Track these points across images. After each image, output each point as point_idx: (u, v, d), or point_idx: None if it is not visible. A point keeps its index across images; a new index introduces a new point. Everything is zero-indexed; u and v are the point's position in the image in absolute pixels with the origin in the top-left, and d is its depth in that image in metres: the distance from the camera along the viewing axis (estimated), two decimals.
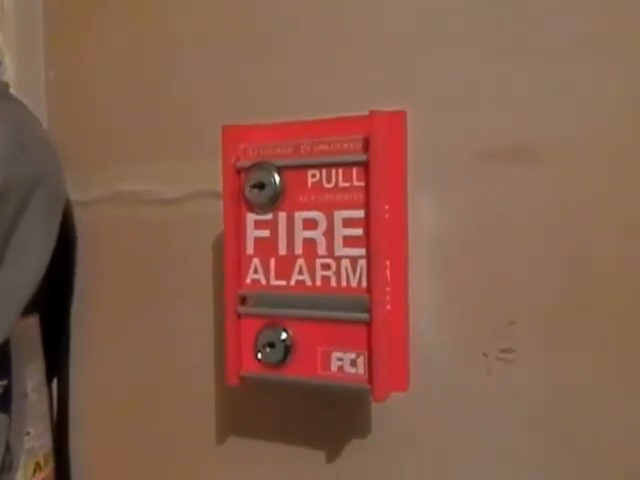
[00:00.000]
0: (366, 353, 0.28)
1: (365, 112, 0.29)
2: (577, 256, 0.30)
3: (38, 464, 0.39)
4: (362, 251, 0.29)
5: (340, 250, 0.29)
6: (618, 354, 0.29)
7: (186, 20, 0.39)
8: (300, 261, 0.30)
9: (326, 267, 0.29)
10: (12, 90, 0.40)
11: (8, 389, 0.35)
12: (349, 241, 0.29)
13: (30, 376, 0.39)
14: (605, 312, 0.29)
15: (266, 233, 0.30)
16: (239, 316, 0.31)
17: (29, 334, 0.40)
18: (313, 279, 0.30)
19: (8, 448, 0.36)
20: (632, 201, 0.29)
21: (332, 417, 0.35)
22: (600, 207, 0.29)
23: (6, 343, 0.35)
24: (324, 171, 0.29)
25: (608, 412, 0.29)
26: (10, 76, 0.43)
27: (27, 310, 0.36)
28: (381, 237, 0.28)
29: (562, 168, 0.30)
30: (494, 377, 0.31)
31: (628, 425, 0.29)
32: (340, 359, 0.29)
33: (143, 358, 0.40)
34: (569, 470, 0.30)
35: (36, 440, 0.39)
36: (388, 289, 0.29)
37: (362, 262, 0.29)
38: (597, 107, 0.29)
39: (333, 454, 0.35)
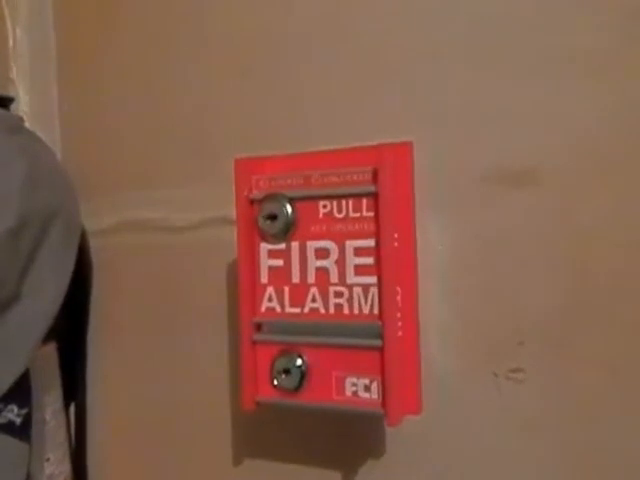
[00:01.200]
0: (379, 378, 0.29)
1: (374, 141, 0.30)
2: (581, 276, 0.30)
3: None
4: (373, 279, 0.29)
5: (352, 278, 0.30)
6: (626, 371, 0.30)
7: (198, 53, 0.40)
8: (313, 289, 0.31)
9: (339, 295, 0.30)
10: (26, 123, 0.41)
11: (28, 417, 0.36)
12: (360, 269, 0.30)
13: (49, 403, 0.40)
14: (610, 329, 0.30)
15: (280, 262, 0.31)
16: (254, 343, 0.32)
17: (47, 361, 0.40)
18: (326, 306, 0.30)
19: (29, 475, 0.37)
20: (631, 220, 0.30)
21: (347, 439, 0.35)
22: (601, 227, 0.30)
23: (26, 372, 0.36)
24: (335, 202, 0.30)
25: (617, 429, 0.30)
26: (24, 109, 0.45)
27: (45, 338, 0.37)
28: (391, 265, 0.29)
29: (564, 190, 0.31)
30: (505, 397, 0.32)
31: (638, 439, 0.29)
32: (354, 384, 0.30)
33: (159, 384, 0.41)
34: None
35: (56, 466, 0.40)
36: (399, 315, 0.29)
37: (374, 289, 0.29)
38: (597, 131, 0.30)
39: (348, 477, 0.35)
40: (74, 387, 0.43)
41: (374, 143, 0.30)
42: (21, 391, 0.36)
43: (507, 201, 0.32)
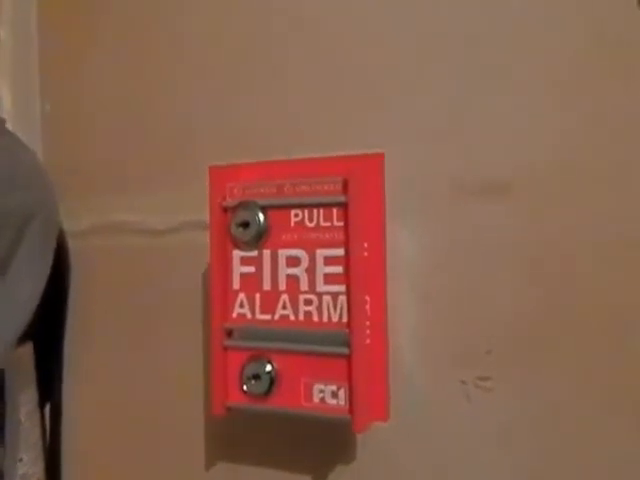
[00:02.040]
0: (347, 385, 0.30)
1: (346, 151, 0.30)
2: (548, 285, 0.31)
3: None
4: (342, 287, 0.30)
5: (321, 286, 0.30)
6: (592, 379, 0.30)
7: (178, 60, 0.40)
8: (284, 296, 0.31)
9: (308, 302, 0.31)
10: (8, 124, 0.41)
11: (2, 417, 0.36)
12: (330, 278, 0.30)
13: (23, 403, 0.40)
14: (577, 338, 0.31)
15: (252, 269, 0.32)
16: (225, 349, 0.32)
17: (23, 362, 0.40)
18: (296, 314, 0.31)
19: (1, 475, 0.37)
20: (598, 229, 0.30)
21: (317, 445, 0.36)
22: (568, 236, 0.31)
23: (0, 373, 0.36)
24: (306, 211, 0.31)
25: (584, 436, 0.30)
26: (6, 109, 0.45)
27: (21, 339, 0.37)
28: (360, 274, 0.29)
29: (532, 200, 0.31)
30: (474, 404, 0.33)
31: (606, 445, 0.30)
32: (322, 391, 0.30)
33: (134, 385, 0.41)
34: None
35: (29, 466, 0.40)
36: (368, 323, 0.30)
37: (342, 298, 0.30)
38: (564, 142, 0.31)
39: (318, 479, 0.36)
40: (50, 387, 0.43)
41: (346, 154, 0.31)
42: None
43: (476, 211, 0.32)
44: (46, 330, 0.43)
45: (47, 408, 0.43)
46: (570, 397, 0.31)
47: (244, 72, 0.38)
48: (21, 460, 0.39)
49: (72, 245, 0.43)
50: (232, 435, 0.38)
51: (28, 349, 0.41)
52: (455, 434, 0.33)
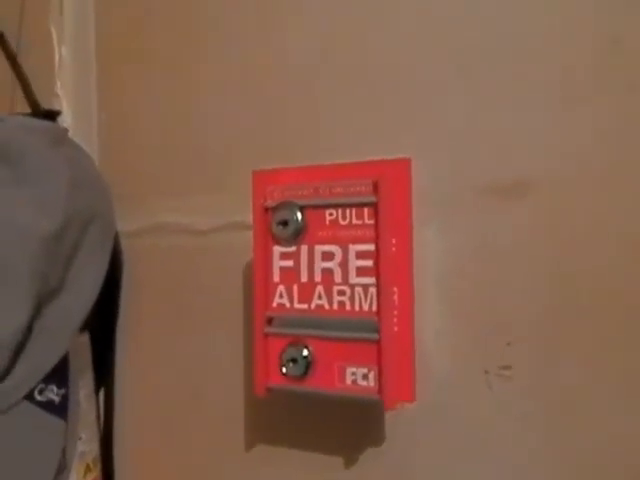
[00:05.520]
0: (376, 368, 0.32)
1: (377, 156, 0.33)
2: (568, 280, 0.33)
3: (88, 466, 0.43)
4: (372, 280, 0.33)
5: (354, 279, 0.33)
6: (608, 370, 0.32)
7: (223, 71, 0.43)
8: (319, 288, 0.34)
9: (342, 293, 0.33)
10: (70, 133, 0.45)
11: (65, 397, 0.39)
12: (361, 271, 0.33)
13: (82, 386, 0.43)
14: (593, 330, 0.32)
15: (290, 263, 0.35)
16: (266, 335, 0.35)
17: (82, 350, 0.44)
18: (330, 303, 0.34)
19: (63, 451, 0.40)
20: (617, 227, 0.32)
21: (350, 426, 0.38)
22: (589, 234, 0.32)
23: (64, 357, 0.39)
24: (340, 210, 0.33)
25: (601, 424, 0.32)
26: (67, 121, 0.49)
27: (80, 329, 0.41)
28: (389, 267, 0.32)
29: (553, 200, 0.33)
30: (495, 392, 0.34)
31: (624, 435, 0.31)
32: (354, 373, 0.33)
33: (181, 374, 0.44)
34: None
35: (87, 444, 0.43)
36: (395, 312, 0.33)
37: (372, 289, 0.33)
38: (587, 146, 0.32)
39: (350, 460, 0.38)
40: (103, 375, 0.46)
41: (377, 159, 0.34)
42: (60, 373, 0.39)
43: (499, 211, 0.34)
44: (101, 323, 0.46)
45: (101, 393, 0.47)
46: (587, 386, 0.32)
47: (283, 87, 0.41)
48: (80, 438, 0.43)
49: (126, 245, 0.46)
50: (271, 417, 0.40)
51: (86, 339, 0.44)
52: (478, 419, 0.35)
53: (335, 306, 0.33)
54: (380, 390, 0.32)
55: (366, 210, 0.33)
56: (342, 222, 0.33)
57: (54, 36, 0.49)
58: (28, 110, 0.47)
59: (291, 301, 0.35)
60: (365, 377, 0.33)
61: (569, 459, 0.33)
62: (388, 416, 0.37)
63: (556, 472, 0.33)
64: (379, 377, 0.32)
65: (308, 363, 0.34)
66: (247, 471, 0.42)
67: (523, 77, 0.34)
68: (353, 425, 0.38)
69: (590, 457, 0.32)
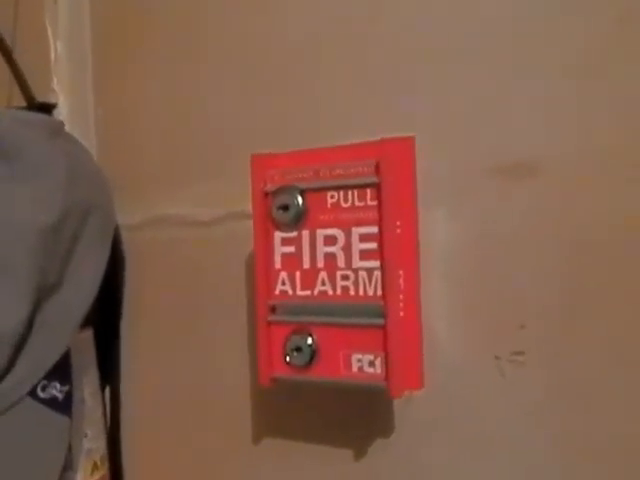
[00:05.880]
0: (383, 354, 0.31)
1: (380, 137, 0.32)
2: (581, 262, 0.32)
3: (95, 464, 0.43)
4: (377, 263, 0.32)
5: (357, 263, 0.32)
6: (625, 354, 0.31)
7: (217, 61, 0.43)
8: (322, 273, 0.33)
9: (345, 278, 0.33)
10: (66, 127, 0.45)
11: (69, 394, 0.39)
12: (365, 254, 0.32)
13: (87, 383, 0.43)
14: (609, 313, 0.31)
15: (292, 249, 0.34)
16: (269, 324, 0.34)
17: (85, 346, 0.43)
18: (334, 289, 0.33)
19: (69, 449, 0.40)
20: (630, 209, 0.31)
21: (358, 416, 0.37)
22: (600, 214, 0.31)
23: (66, 353, 0.39)
24: (341, 192, 0.32)
25: (617, 412, 0.31)
26: (64, 115, 0.48)
27: (82, 324, 0.40)
28: (393, 250, 0.31)
29: (563, 180, 0.32)
30: (507, 379, 0.33)
31: (638, 424, 0.30)
32: (360, 360, 0.32)
33: (184, 365, 0.44)
34: (580, 469, 0.32)
35: (93, 442, 0.43)
36: (401, 296, 0.32)
37: (377, 273, 0.32)
38: (597, 125, 0.31)
39: (359, 450, 0.37)
40: (108, 371, 0.46)
41: (378, 138, 0.33)
42: (63, 370, 0.38)
43: (507, 191, 0.33)
44: (104, 318, 0.46)
45: (106, 390, 0.47)
46: (602, 371, 0.31)
47: (279, 68, 0.40)
48: (86, 436, 0.42)
49: (126, 238, 0.46)
50: (276, 407, 0.40)
51: (89, 334, 0.44)
52: (489, 407, 0.34)
53: (339, 292, 0.33)
54: (387, 377, 0.31)
55: (369, 191, 0.32)
56: (344, 204, 0.33)
57: (49, 31, 0.49)
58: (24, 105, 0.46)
59: (294, 288, 0.34)
60: (372, 364, 0.32)
61: (585, 454, 0.32)
62: (397, 406, 0.36)
63: (571, 468, 0.32)
64: (386, 363, 0.31)
65: (313, 351, 0.33)
66: (254, 463, 0.41)
67: (531, 55, 0.33)
68: (361, 415, 0.37)
69: (610, 453, 0.31)
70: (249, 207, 0.36)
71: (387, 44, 0.37)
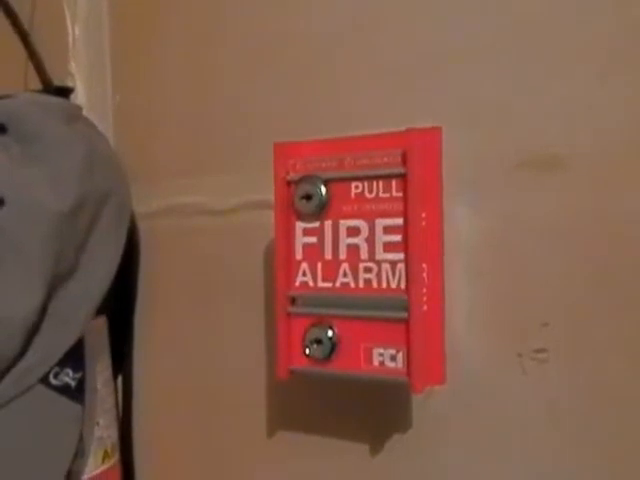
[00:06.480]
0: (405, 349, 0.31)
1: (405, 124, 0.31)
2: (607, 260, 0.31)
3: (106, 452, 0.43)
4: (401, 255, 0.31)
5: (381, 255, 0.31)
6: None
7: (238, 46, 0.42)
8: (344, 265, 0.32)
9: (368, 270, 0.32)
10: (84, 112, 0.44)
11: (82, 381, 0.38)
12: (389, 246, 0.31)
13: (99, 371, 0.42)
14: (635, 313, 0.30)
15: (313, 240, 0.33)
16: (289, 315, 0.34)
17: (98, 334, 0.43)
18: (356, 281, 0.32)
19: (80, 436, 0.40)
20: None
21: (375, 412, 0.37)
22: (631, 209, 0.30)
23: (80, 341, 0.39)
24: (366, 183, 0.32)
25: (637, 410, 0.30)
26: (81, 100, 0.48)
27: (96, 312, 0.40)
28: (418, 242, 0.31)
29: (591, 175, 0.31)
30: (529, 376, 0.33)
31: None
32: (381, 354, 0.31)
33: (199, 356, 0.43)
34: (600, 469, 0.31)
35: (105, 430, 0.43)
36: (425, 290, 0.31)
37: (401, 265, 0.31)
38: (625, 117, 0.31)
39: (375, 446, 0.37)
40: (121, 360, 0.46)
41: (404, 128, 0.32)
42: (76, 357, 0.38)
43: (535, 185, 0.33)
44: (118, 306, 0.45)
45: (119, 379, 0.46)
46: (627, 372, 0.30)
47: (303, 53, 0.39)
48: (98, 424, 0.42)
49: (142, 226, 0.46)
50: (294, 401, 0.40)
51: (103, 322, 0.44)
52: (511, 404, 0.33)
53: (361, 284, 0.32)
54: (409, 372, 0.31)
55: (394, 182, 0.31)
56: (368, 195, 0.32)
57: (67, 15, 0.49)
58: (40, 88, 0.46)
59: (315, 279, 0.33)
60: (393, 358, 0.31)
61: (607, 454, 0.31)
62: (415, 402, 0.35)
63: (592, 468, 0.31)
64: (408, 358, 0.31)
65: (333, 344, 0.33)
66: (268, 456, 0.41)
67: (558, 49, 0.32)
68: (378, 410, 0.37)
69: (632, 454, 0.31)
70: (268, 196, 0.35)
71: (418, 36, 0.36)
